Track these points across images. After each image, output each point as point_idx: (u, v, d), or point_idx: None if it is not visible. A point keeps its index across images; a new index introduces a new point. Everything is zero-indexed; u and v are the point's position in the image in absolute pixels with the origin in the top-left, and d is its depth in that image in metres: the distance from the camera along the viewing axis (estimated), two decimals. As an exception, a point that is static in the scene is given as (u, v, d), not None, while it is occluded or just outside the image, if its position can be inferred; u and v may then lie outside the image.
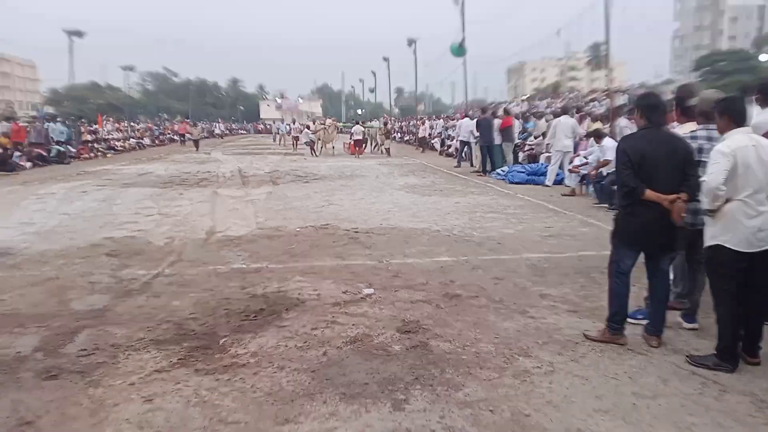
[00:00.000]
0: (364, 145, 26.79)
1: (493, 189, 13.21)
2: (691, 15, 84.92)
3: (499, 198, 11.70)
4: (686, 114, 4.83)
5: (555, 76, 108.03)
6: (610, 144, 10.57)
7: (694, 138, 4.27)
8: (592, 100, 24.26)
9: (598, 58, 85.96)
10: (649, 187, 3.81)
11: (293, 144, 30.67)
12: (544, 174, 14.54)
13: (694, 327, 4.33)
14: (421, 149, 29.13)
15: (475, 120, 18.51)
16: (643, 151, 3.86)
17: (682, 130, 4.66)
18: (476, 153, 18.22)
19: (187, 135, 35.67)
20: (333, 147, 28.13)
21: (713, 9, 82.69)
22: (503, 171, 15.72)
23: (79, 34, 29.60)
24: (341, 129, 40.97)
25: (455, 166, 19.07)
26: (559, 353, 3.90)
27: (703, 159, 4.08)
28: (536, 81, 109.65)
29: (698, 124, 4.44)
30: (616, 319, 4.01)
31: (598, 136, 11.36)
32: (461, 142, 19.95)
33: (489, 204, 10.84)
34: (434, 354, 3.91)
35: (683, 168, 3.86)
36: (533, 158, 17.20)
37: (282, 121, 46.83)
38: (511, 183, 14.24)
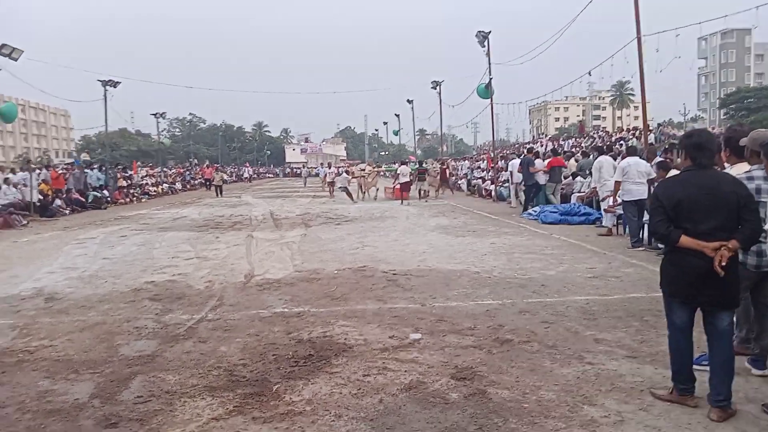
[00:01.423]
0: (410, 188, 23.88)
1: (527, 229, 13.10)
2: (717, 53, 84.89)
3: (534, 238, 11.57)
4: (737, 154, 4.71)
5: (578, 115, 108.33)
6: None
7: (750, 179, 4.10)
8: (620, 139, 24.14)
9: (623, 96, 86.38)
10: (690, 233, 3.52)
11: (330, 191, 28.17)
12: (576, 214, 14.40)
13: (765, 374, 4.14)
14: (447, 190, 28.87)
15: (519, 160, 18.31)
16: (679, 195, 3.57)
17: (734, 170, 4.55)
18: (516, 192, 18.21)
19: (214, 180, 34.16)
20: (376, 191, 26.66)
21: (738, 46, 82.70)
22: (535, 211, 15.62)
23: (113, 84, 30.60)
24: (383, 173, 36.26)
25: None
26: (625, 402, 3.75)
27: (762, 199, 3.94)
28: (560, 120, 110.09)
29: (751, 164, 4.30)
30: (680, 378, 3.69)
31: (629, 154, 11.29)
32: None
33: (525, 245, 10.72)
34: (494, 402, 3.79)
35: (737, 212, 3.51)
36: (564, 198, 17.09)
37: (322, 164, 45.52)
38: (544, 223, 14.10)
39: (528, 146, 25.46)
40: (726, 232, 3.49)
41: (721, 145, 5.20)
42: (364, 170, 27.66)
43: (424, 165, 25.83)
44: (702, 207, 3.52)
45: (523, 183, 17.47)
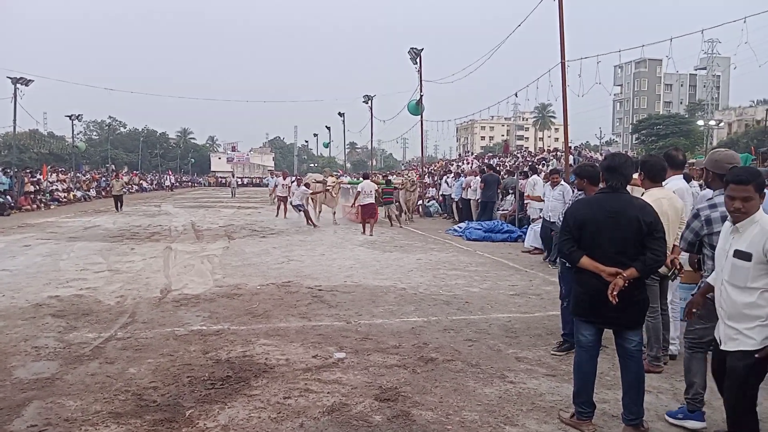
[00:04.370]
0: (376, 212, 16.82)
1: (452, 245, 13.29)
2: (631, 80, 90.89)
3: (459, 255, 11.74)
4: (651, 179, 4.87)
5: (502, 135, 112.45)
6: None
7: (713, 206, 3.71)
8: (542, 159, 25.16)
9: (545, 118, 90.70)
10: (593, 255, 3.54)
11: (278, 209, 21.56)
12: (500, 231, 14.78)
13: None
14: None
15: (483, 176, 17.59)
16: (584, 216, 3.61)
17: (648, 195, 4.51)
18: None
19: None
20: (334, 213, 19.74)
21: (651, 75, 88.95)
22: (460, 228, 15.91)
23: (25, 82, 28.63)
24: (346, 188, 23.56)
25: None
26: (545, 421, 3.79)
27: None
28: (485, 139, 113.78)
29: (713, 188, 4.00)
30: (579, 401, 3.65)
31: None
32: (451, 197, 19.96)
33: (450, 261, 10.85)
34: (418, 424, 3.73)
35: (639, 239, 3.49)
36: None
37: (272, 173, 40.98)
38: (469, 239, 14.38)
39: (487, 163, 22.25)
40: (627, 257, 3.48)
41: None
42: (324, 182, 19.95)
43: (391, 181, 19.23)
44: (606, 230, 3.53)
45: (479, 199, 17.40)
